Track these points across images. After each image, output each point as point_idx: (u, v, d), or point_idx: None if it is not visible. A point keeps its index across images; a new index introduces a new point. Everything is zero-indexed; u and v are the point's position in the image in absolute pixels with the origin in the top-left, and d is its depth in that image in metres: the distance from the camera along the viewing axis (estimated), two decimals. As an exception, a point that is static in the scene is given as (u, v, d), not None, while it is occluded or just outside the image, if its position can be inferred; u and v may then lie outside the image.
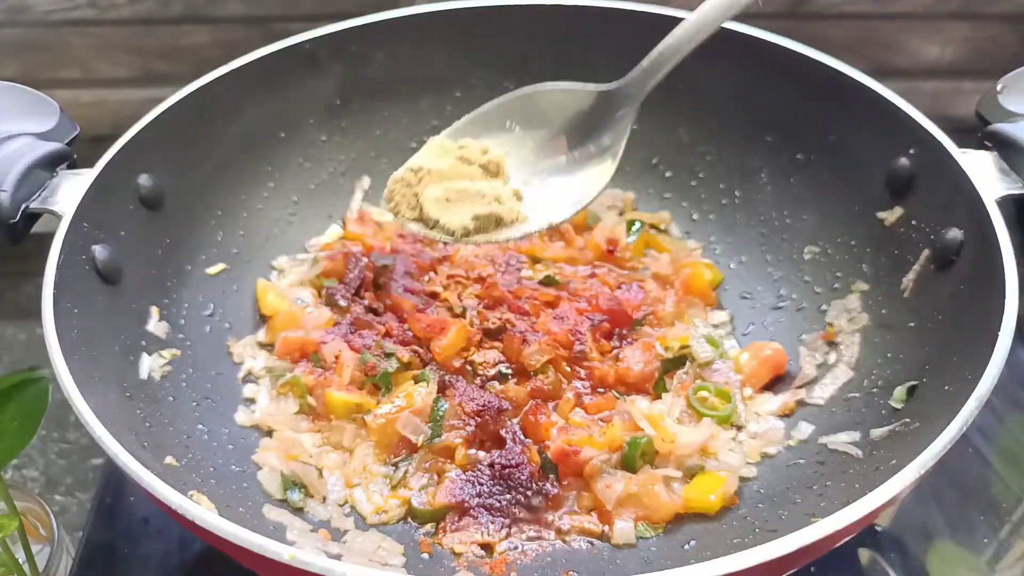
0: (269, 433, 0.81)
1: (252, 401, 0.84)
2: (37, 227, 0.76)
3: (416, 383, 0.81)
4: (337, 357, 0.83)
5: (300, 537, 0.69)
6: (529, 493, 0.74)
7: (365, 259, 0.92)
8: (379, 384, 0.82)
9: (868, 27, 1.17)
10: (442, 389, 0.80)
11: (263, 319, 0.91)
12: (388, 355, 0.83)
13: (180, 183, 0.87)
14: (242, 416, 0.82)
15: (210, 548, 0.65)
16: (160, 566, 0.80)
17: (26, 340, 1.18)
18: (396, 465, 0.77)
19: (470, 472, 0.75)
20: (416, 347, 0.84)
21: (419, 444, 0.77)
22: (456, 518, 0.73)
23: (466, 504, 0.73)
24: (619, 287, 0.90)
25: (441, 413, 0.78)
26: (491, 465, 0.75)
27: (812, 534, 0.53)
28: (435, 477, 0.76)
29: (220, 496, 0.69)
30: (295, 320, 0.88)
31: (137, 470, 0.58)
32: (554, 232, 0.99)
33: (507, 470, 0.74)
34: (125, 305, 0.78)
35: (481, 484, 0.74)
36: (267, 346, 0.89)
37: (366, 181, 1.03)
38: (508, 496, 0.74)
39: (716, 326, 0.90)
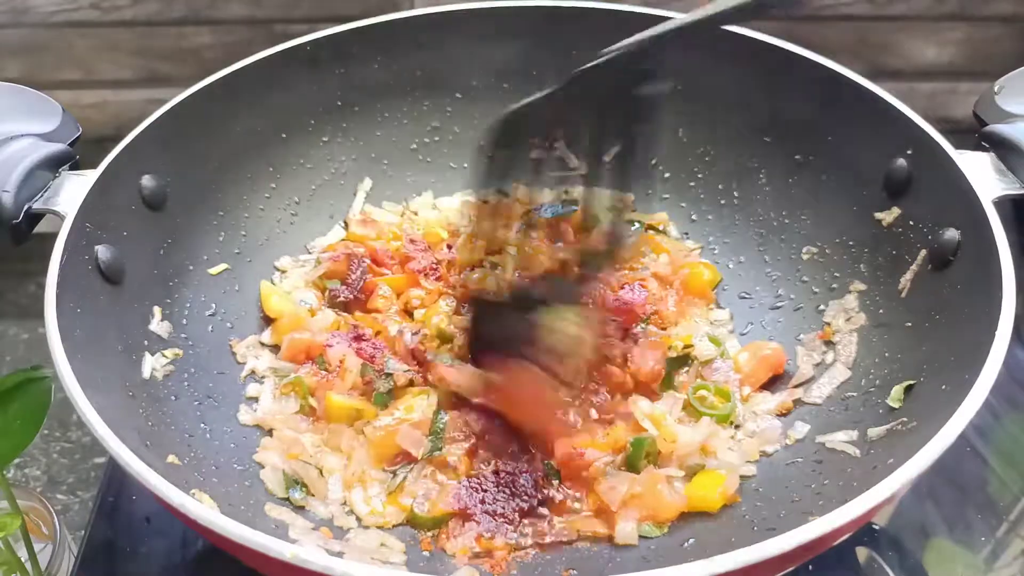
0: (270, 432, 0.81)
1: (255, 400, 0.84)
2: (40, 227, 0.77)
3: (416, 395, 0.81)
4: (341, 361, 0.83)
5: (302, 535, 0.69)
6: (535, 501, 0.74)
7: (367, 261, 0.92)
8: (377, 402, 0.81)
9: (865, 29, 1.17)
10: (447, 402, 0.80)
11: (267, 321, 0.91)
12: (387, 375, 0.82)
13: (182, 184, 0.87)
14: (245, 415, 0.82)
15: (212, 546, 0.65)
16: (162, 564, 0.80)
17: (28, 339, 1.18)
18: (394, 472, 0.77)
19: (474, 479, 0.75)
20: (418, 368, 0.84)
21: (419, 457, 0.76)
22: (460, 524, 0.73)
23: (469, 511, 0.73)
24: (622, 288, 0.90)
25: (441, 427, 0.77)
26: (496, 472, 0.75)
27: (810, 532, 0.53)
28: (435, 486, 0.76)
29: (222, 495, 0.69)
30: (300, 323, 0.88)
31: (139, 469, 0.58)
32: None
33: (511, 477, 0.74)
34: (127, 305, 0.79)
35: (485, 491, 0.74)
36: (270, 346, 0.89)
37: (368, 183, 1.04)
38: (513, 503, 0.73)
39: (716, 324, 0.91)
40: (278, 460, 0.77)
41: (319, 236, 1.00)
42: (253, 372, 0.86)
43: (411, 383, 0.82)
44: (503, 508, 0.73)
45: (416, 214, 1.03)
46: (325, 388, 0.82)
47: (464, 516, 0.73)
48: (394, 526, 0.74)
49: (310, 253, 0.98)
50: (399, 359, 0.84)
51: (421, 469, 0.76)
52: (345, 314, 0.90)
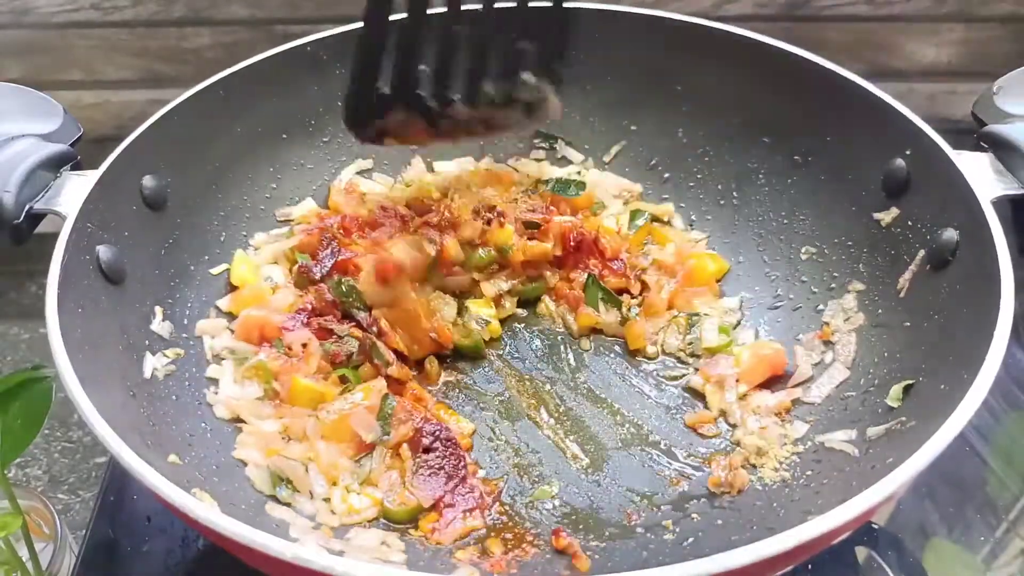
0: (239, 420, 0.80)
1: (214, 382, 0.83)
2: (41, 227, 0.77)
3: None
4: (305, 345, 0.83)
5: (303, 534, 0.69)
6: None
7: (336, 241, 0.91)
8: (344, 377, 0.82)
9: (865, 29, 1.18)
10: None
11: (232, 288, 0.91)
12: (341, 338, 0.83)
13: (183, 184, 0.88)
14: (218, 407, 0.81)
15: (213, 545, 0.65)
16: (163, 563, 0.80)
17: (30, 339, 1.18)
18: (359, 462, 0.77)
19: (423, 462, 0.76)
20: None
21: (367, 441, 0.77)
22: (437, 516, 0.74)
23: (438, 499, 0.74)
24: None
25: (390, 411, 0.78)
26: (426, 450, 0.76)
27: (808, 531, 0.53)
28: (398, 477, 0.76)
29: (223, 493, 0.69)
30: (260, 298, 0.87)
31: (140, 468, 0.58)
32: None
33: (443, 441, 0.76)
34: (129, 305, 0.79)
35: (441, 468, 0.75)
36: (227, 315, 0.88)
37: (368, 162, 1.04)
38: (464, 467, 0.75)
39: (730, 312, 0.91)
40: (259, 457, 0.76)
41: (290, 205, 0.99)
42: (213, 352, 0.85)
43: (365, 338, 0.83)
44: (459, 473, 0.75)
45: (408, 186, 1.03)
46: (289, 372, 0.81)
47: (436, 507, 0.74)
48: (370, 522, 0.74)
49: (281, 224, 0.98)
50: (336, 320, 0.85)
51: (382, 457, 0.77)
52: (304, 294, 0.89)
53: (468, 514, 0.74)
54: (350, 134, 0.83)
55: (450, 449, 0.77)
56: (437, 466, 0.76)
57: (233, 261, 0.92)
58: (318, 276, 0.88)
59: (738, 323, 0.91)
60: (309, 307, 0.86)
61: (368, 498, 0.75)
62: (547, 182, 1.00)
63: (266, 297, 0.88)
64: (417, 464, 0.76)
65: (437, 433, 0.77)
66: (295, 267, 0.91)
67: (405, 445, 0.77)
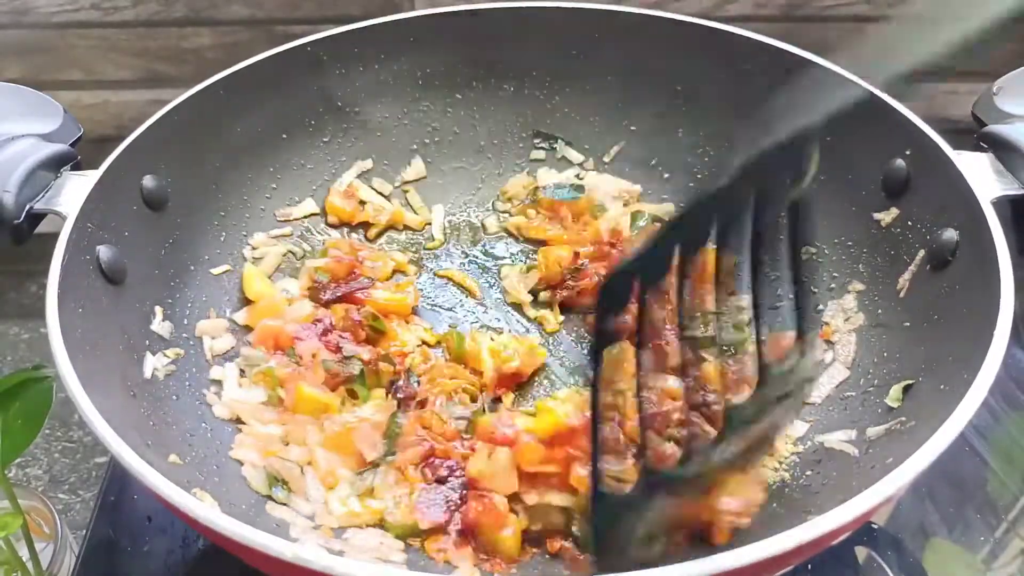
0: (239, 421, 0.80)
1: (218, 383, 0.83)
2: (41, 227, 0.77)
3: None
4: (314, 355, 0.82)
5: (303, 534, 0.69)
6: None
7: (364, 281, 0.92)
8: (353, 391, 0.81)
9: (864, 30, 1.18)
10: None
11: (246, 302, 0.91)
12: (348, 359, 0.82)
13: (183, 184, 0.88)
14: (217, 406, 0.81)
15: (213, 545, 0.65)
16: (163, 563, 0.80)
17: (30, 339, 1.18)
18: (361, 474, 0.76)
19: (426, 488, 0.74)
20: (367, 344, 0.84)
21: (368, 460, 0.75)
22: (441, 535, 0.72)
23: (440, 525, 0.72)
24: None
25: (397, 430, 0.76)
26: (440, 480, 0.74)
27: (808, 531, 0.53)
28: (403, 492, 0.74)
29: (223, 494, 0.69)
30: (277, 309, 0.88)
31: (140, 468, 0.58)
32: (554, 217, 0.99)
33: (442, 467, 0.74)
34: (129, 305, 0.79)
35: (448, 499, 0.73)
36: (240, 327, 0.89)
37: (368, 163, 1.04)
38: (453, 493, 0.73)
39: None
40: (256, 458, 0.76)
41: (290, 206, 0.99)
42: (212, 352, 0.85)
43: (372, 364, 0.82)
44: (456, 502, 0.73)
45: (407, 192, 1.03)
46: (295, 379, 0.81)
47: (440, 528, 0.72)
48: (368, 526, 0.73)
49: (280, 223, 0.98)
50: (354, 340, 0.84)
51: (385, 474, 0.75)
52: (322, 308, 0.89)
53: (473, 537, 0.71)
54: None
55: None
56: (446, 497, 0.73)
57: (243, 275, 0.92)
58: (325, 299, 0.89)
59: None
60: (329, 321, 0.86)
61: (366, 509, 0.74)
62: (545, 188, 1.00)
63: (282, 308, 0.88)
64: (426, 488, 0.74)
65: (453, 467, 0.75)
66: (312, 282, 0.91)
67: (411, 467, 0.75)
